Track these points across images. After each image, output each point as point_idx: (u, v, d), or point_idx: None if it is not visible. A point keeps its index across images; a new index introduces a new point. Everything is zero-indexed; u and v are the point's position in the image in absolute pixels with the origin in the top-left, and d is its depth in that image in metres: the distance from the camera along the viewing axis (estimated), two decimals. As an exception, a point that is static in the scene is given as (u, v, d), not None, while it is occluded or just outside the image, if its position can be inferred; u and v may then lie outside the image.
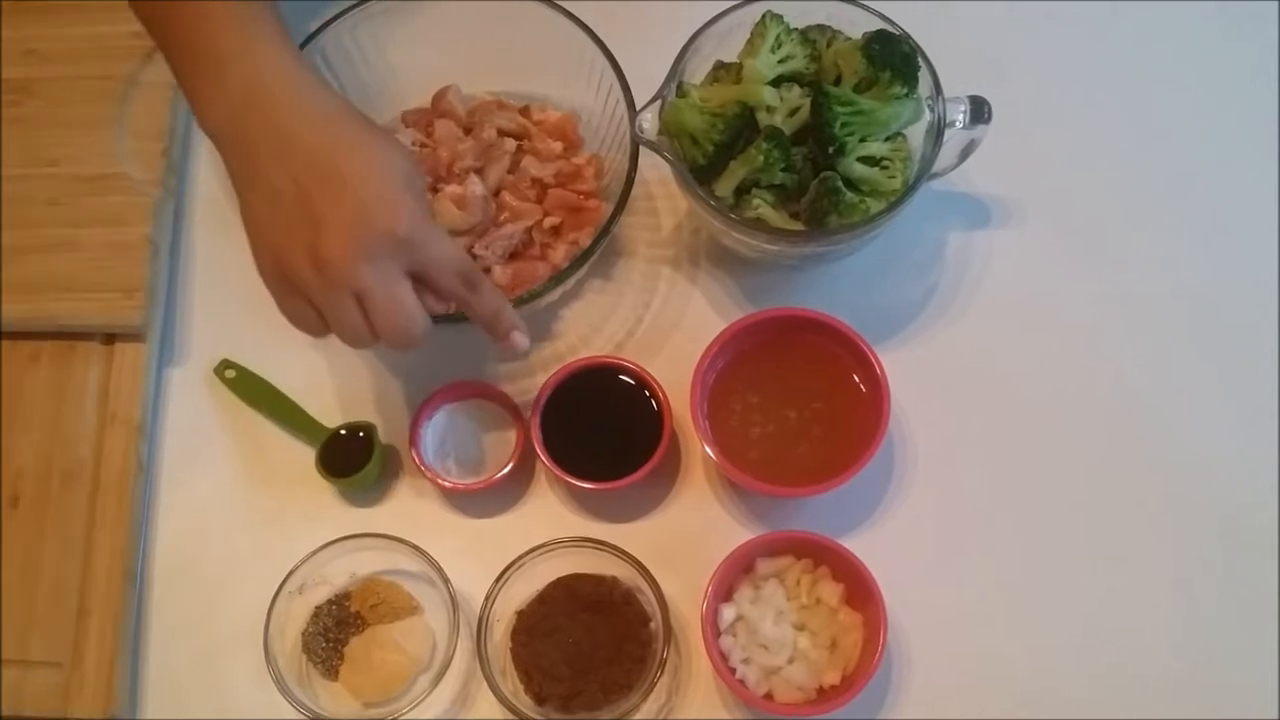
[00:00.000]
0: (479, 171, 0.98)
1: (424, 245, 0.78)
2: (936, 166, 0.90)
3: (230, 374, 0.97)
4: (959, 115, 0.89)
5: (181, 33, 0.82)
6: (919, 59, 0.89)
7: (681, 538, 0.92)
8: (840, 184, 0.88)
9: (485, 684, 0.86)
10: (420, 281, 0.80)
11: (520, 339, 0.85)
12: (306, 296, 0.78)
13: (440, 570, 0.88)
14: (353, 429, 0.95)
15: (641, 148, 0.91)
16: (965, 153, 0.93)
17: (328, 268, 0.76)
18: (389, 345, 0.79)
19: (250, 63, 0.80)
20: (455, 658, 0.87)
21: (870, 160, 0.89)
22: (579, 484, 0.90)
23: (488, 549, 0.90)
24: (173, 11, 0.83)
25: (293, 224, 0.77)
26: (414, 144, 1.00)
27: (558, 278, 0.91)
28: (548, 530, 0.90)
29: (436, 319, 0.91)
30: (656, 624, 0.86)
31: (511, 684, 0.87)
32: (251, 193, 0.79)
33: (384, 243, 0.77)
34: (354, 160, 0.78)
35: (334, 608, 0.90)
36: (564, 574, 0.89)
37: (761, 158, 0.87)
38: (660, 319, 0.99)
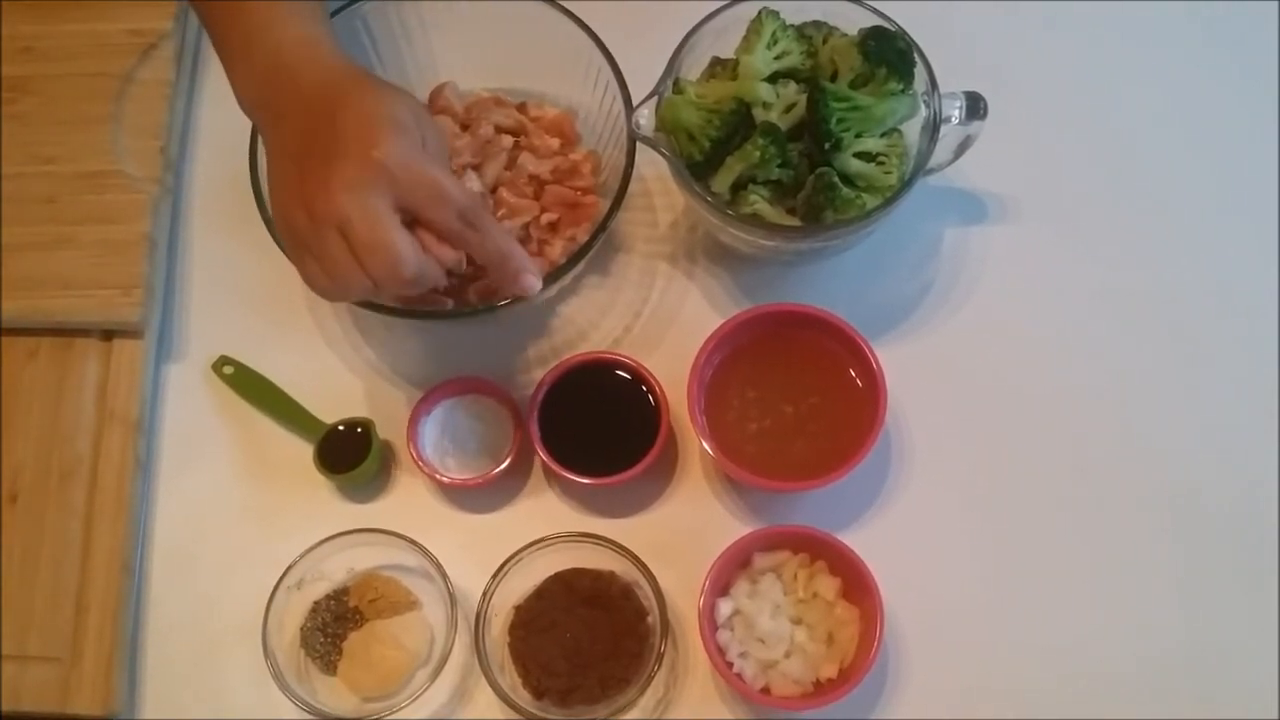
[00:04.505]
0: (476, 168, 0.98)
1: (411, 175, 0.75)
2: (932, 162, 0.90)
3: (228, 370, 0.97)
4: (955, 111, 0.89)
5: (214, 13, 0.83)
6: (915, 55, 0.89)
7: (679, 532, 0.92)
8: (836, 179, 0.88)
9: (483, 679, 0.86)
10: (418, 221, 0.77)
11: (531, 280, 0.82)
12: (308, 249, 0.77)
13: (438, 565, 0.88)
14: (350, 425, 0.95)
15: (638, 144, 0.91)
16: (961, 148, 0.93)
17: (311, 204, 0.75)
18: (382, 286, 0.76)
19: (274, 38, 0.80)
20: (453, 653, 0.87)
21: (866, 156, 0.89)
22: (576, 479, 0.91)
23: (486, 544, 0.90)
24: None
25: (293, 177, 0.77)
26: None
27: (555, 274, 0.91)
28: (545, 525, 0.90)
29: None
30: (654, 618, 0.86)
31: (509, 679, 0.87)
32: (272, 163, 0.80)
33: (362, 170, 0.74)
34: (351, 107, 0.77)
35: (332, 603, 0.91)
36: (562, 569, 0.89)
37: (758, 154, 0.88)
38: (657, 315, 0.99)
